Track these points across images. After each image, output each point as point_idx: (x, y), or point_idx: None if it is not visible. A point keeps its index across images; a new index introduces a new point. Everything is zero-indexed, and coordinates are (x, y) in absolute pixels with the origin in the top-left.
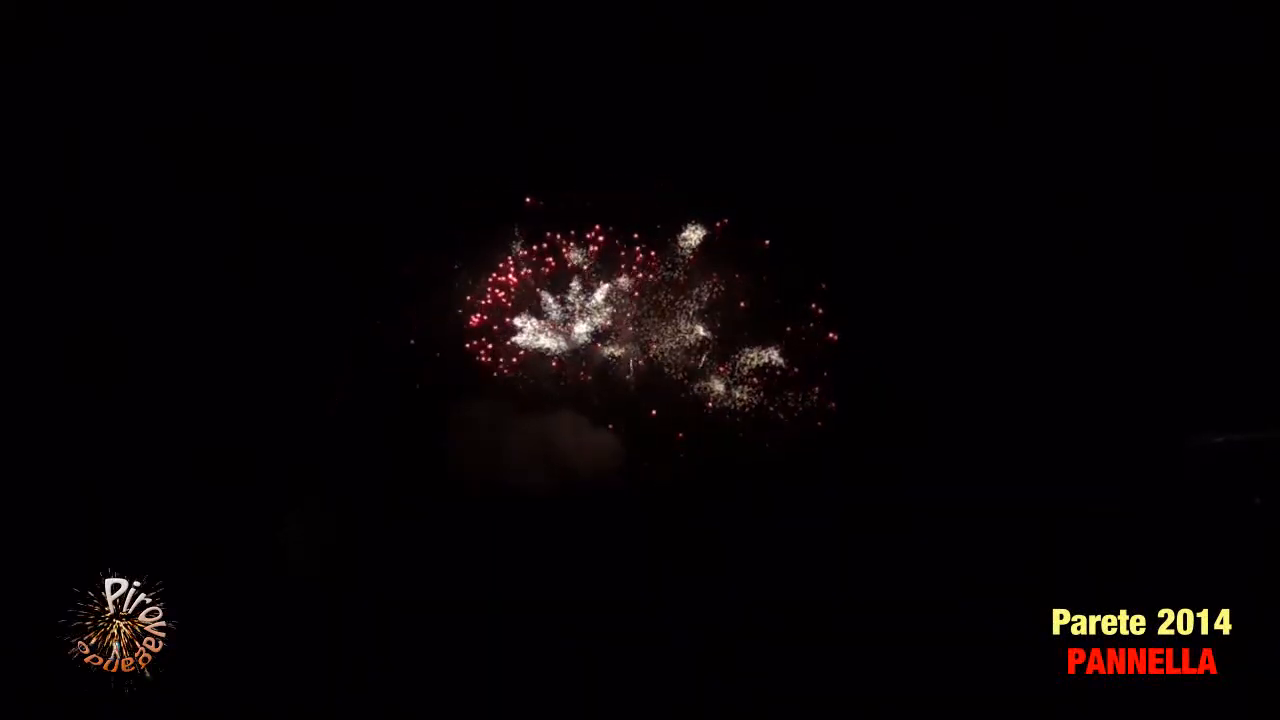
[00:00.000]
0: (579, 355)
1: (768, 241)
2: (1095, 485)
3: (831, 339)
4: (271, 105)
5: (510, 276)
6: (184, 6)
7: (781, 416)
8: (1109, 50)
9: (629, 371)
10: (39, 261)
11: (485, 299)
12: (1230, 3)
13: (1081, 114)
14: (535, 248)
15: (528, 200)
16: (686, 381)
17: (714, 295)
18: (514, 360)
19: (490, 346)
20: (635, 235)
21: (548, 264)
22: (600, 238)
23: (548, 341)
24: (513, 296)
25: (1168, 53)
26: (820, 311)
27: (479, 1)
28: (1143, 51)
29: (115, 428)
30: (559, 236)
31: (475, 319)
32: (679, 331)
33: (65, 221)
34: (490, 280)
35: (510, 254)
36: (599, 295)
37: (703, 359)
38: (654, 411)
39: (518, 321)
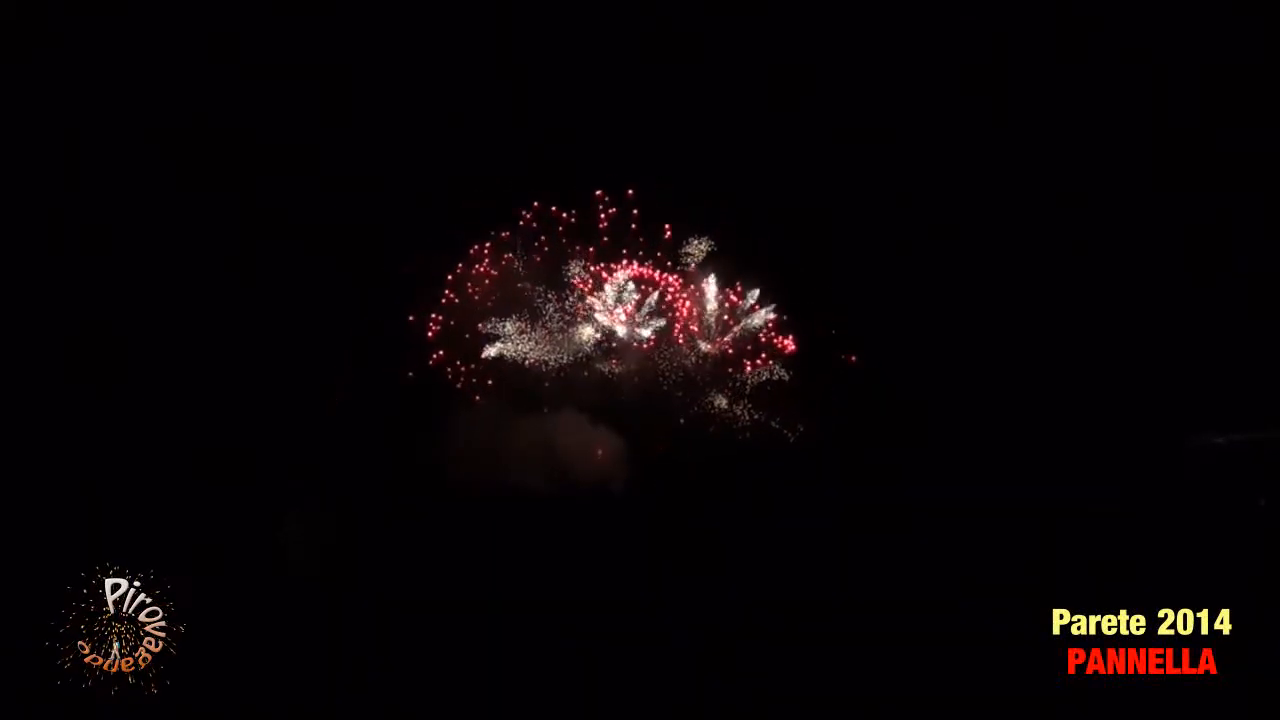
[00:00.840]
0: (580, 365)
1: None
2: (1095, 485)
3: (851, 361)
4: (271, 105)
5: (486, 266)
6: (184, 6)
7: (786, 433)
8: (1109, 50)
9: (626, 392)
10: (39, 261)
11: (448, 296)
12: (1230, 3)
13: (1081, 114)
14: (522, 223)
15: (523, 211)
16: (688, 400)
17: (722, 313)
18: (489, 383)
19: (461, 365)
20: (641, 239)
21: (541, 244)
22: (612, 210)
23: (542, 353)
24: (489, 292)
25: (1168, 53)
26: (834, 332)
27: (479, 2)
28: (1143, 51)
29: (115, 427)
30: (555, 209)
31: (433, 326)
32: (680, 351)
33: (65, 221)
34: (455, 273)
35: (486, 238)
36: (606, 295)
37: (706, 369)
38: (661, 446)
39: (508, 326)
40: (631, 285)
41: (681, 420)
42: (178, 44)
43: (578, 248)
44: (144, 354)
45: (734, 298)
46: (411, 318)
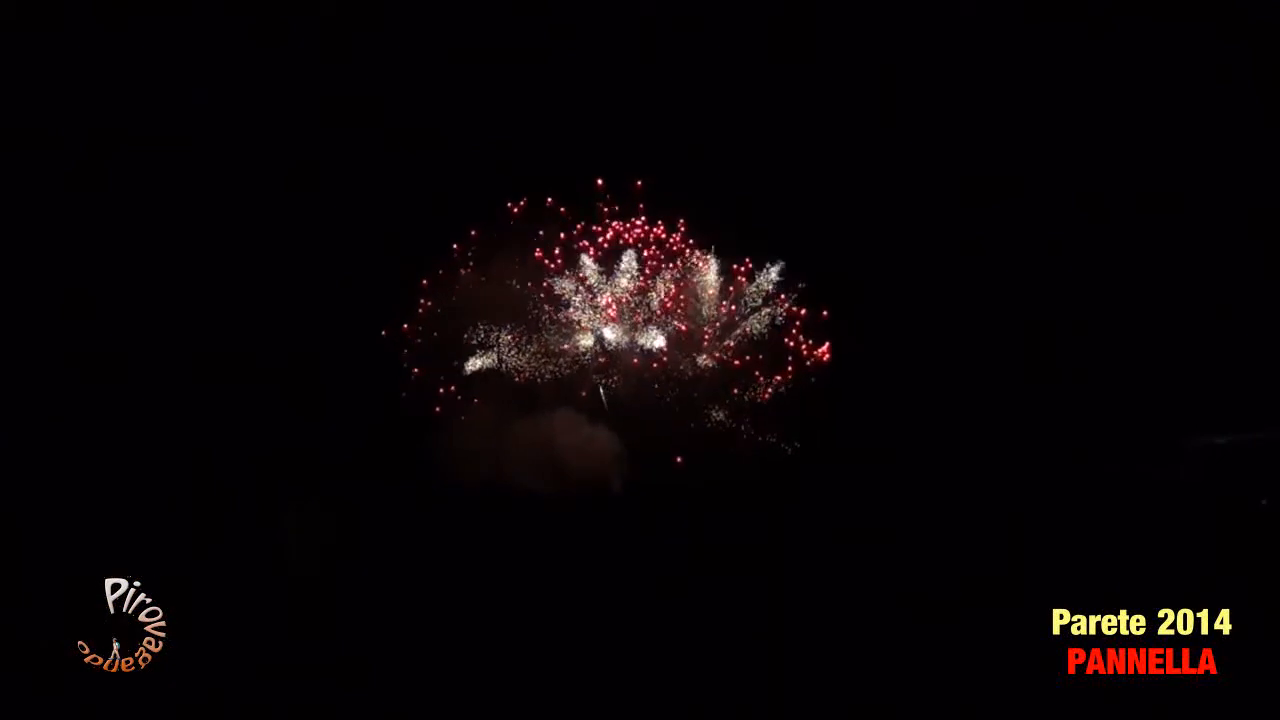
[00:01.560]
0: (577, 376)
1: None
2: (1095, 485)
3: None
4: (272, 106)
5: (470, 268)
6: (183, 8)
7: (785, 448)
8: (1110, 50)
9: (623, 403)
10: (40, 261)
11: (426, 303)
12: (1233, 2)
13: (1081, 114)
14: (511, 219)
15: (514, 208)
16: (683, 413)
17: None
18: (475, 401)
19: (442, 384)
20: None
21: (534, 243)
22: (615, 206)
23: (537, 365)
24: (474, 298)
25: (1168, 52)
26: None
27: (479, 3)
28: (1143, 51)
29: (115, 428)
30: (551, 202)
31: (412, 339)
32: (679, 364)
33: (66, 222)
34: (435, 276)
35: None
36: (587, 269)
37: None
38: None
39: (504, 335)
40: (633, 259)
41: (678, 456)
42: (177, 45)
43: (578, 243)
44: (144, 354)
45: (742, 278)
46: (384, 331)
